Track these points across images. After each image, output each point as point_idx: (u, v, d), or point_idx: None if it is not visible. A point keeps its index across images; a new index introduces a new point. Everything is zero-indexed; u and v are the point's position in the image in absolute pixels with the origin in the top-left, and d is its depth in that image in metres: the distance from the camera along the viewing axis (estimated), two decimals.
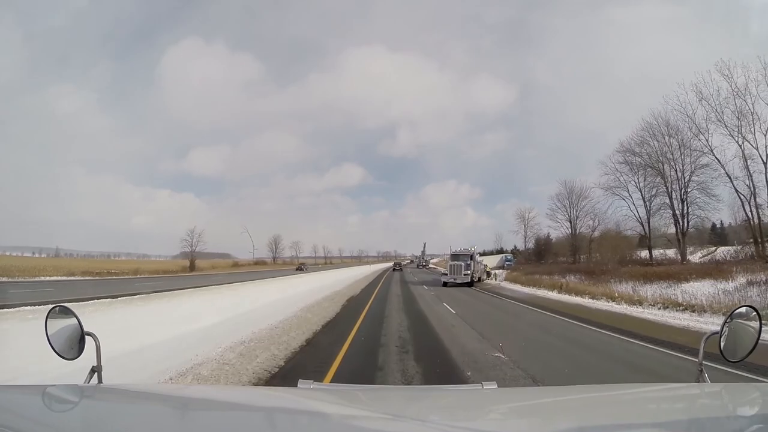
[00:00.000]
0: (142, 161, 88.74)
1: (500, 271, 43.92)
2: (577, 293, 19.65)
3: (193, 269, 51.20)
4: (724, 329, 1.54)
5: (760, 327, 1.52)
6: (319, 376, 5.55)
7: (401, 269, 64.71)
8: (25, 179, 61.85)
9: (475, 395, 1.56)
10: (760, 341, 1.49)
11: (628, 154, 34.27)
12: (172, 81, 79.38)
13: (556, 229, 44.87)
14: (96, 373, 1.46)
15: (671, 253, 31.50)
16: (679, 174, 30.81)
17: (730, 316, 1.55)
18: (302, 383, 1.57)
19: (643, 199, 34.07)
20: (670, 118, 30.63)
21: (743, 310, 1.56)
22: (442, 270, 40.33)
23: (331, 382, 5.45)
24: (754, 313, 1.54)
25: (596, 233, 39.23)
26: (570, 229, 42.49)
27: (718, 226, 36.68)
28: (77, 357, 1.48)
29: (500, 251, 63.21)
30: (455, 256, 27.23)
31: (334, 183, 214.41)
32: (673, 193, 31.49)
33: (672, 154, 31.04)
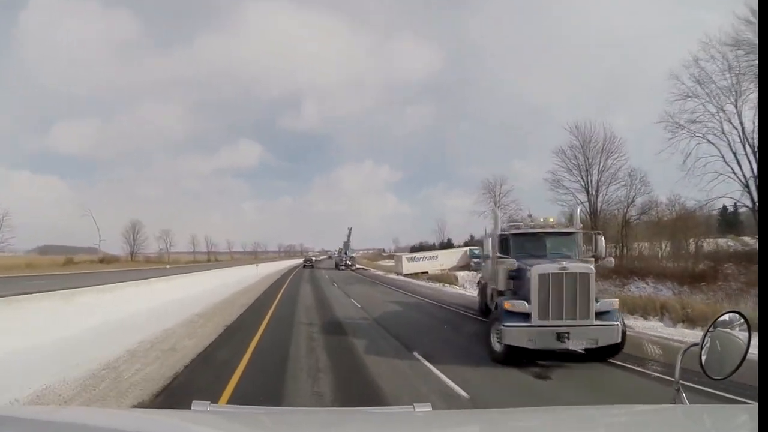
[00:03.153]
0: None
1: (463, 273, 43.55)
2: None
3: None
4: (705, 340, 1.69)
5: (749, 337, 1.63)
6: None
7: (312, 266, 68.04)
8: None
9: (405, 420, 1.73)
10: (749, 355, 1.60)
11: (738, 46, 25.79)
12: (32, 40, 70.85)
13: (554, 206, 42.28)
14: None
15: None
16: None
17: (713, 324, 1.71)
18: (197, 404, 1.66)
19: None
20: None
21: (728, 317, 1.70)
22: (390, 275, 39.50)
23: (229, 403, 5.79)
24: (742, 320, 1.68)
25: (633, 210, 34.60)
26: (588, 203, 37.98)
27: None
28: None
29: (447, 244, 63.75)
30: None
31: (226, 163, 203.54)
32: None
33: None
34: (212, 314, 16.04)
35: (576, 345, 9.11)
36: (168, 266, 42.54)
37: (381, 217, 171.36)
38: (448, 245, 65.41)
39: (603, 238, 10.87)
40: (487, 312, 14.13)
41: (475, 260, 48.47)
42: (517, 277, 10.14)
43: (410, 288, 30.05)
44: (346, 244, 69.51)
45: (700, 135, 28.24)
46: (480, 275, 18.46)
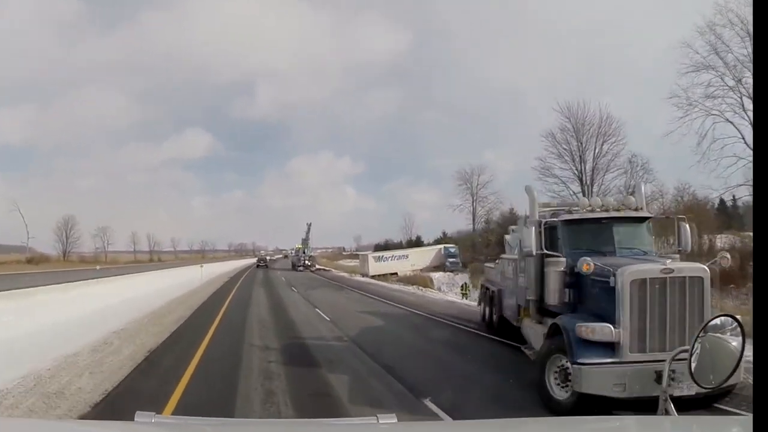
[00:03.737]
0: None
1: (438, 275, 40.74)
2: None
3: None
4: (695, 346, 1.66)
5: (744, 343, 1.61)
6: None
7: (266, 266, 66.10)
8: None
9: None
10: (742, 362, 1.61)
11: None
12: None
13: (542, 197, 42.02)
14: None
15: None
16: None
17: (703, 329, 1.69)
18: (141, 416, 1.63)
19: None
20: None
21: (719, 320, 1.69)
22: (356, 277, 36.57)
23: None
24: (735, 324, 1.65)
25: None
26: (582, 193, 36.59)
27: None
28: None
29: (416, 242, 60.45)
30: None
31: (173, 154, 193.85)
32: None
33: None
34: (133, 335, 12.45)
35: (686, 390, 6.01)
36: (98, 267, 37.80)
37: (341, 213, 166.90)
38: (417, 243, 62.60)
39: (688, 225, 8.02)
40: (500, 328, 11.65)
41: (451, 260, 46.14)
42: (579, 284, 7.13)
43: (384, 293, 26.98)
44: (305, 241, 64.07)
45: (717, 112, 26.10)
46: (483, 278, 15.46)
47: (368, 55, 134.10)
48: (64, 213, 74.04)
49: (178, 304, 20.51)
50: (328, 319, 16.12)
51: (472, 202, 50.43)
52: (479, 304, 14.98)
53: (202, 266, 37.29)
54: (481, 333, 13.04)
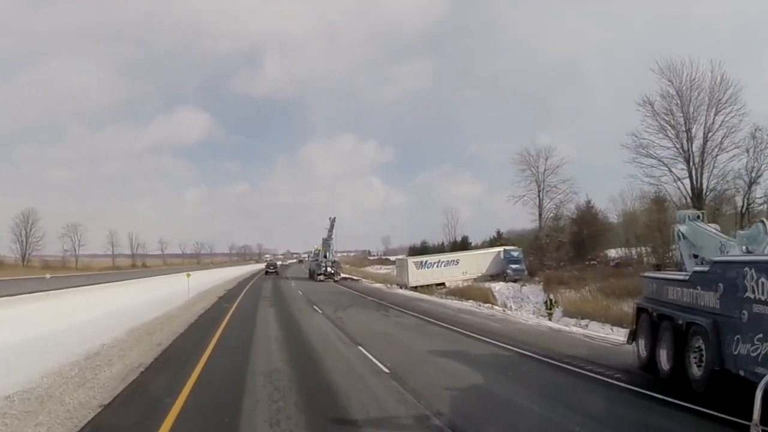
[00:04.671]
0: None
1: (499, 286, 34.45)
2: None
3: None
4: None
5: None
6: None
7: (276, 272, 60.45)
8: None
9: None
10: None
11: None
12: None
13: (636, 184, 34.89)
14: None
15: None
16: None
17: None
18: None
19: None
20: None
21: None
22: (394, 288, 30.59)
23: None
24: None
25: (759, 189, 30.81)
26: (690, 179, 32.43)
27: None
28: None
29: (461, 244, 52.40)
30: None
31: (162, 138, 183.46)
32: None
33: None
34: None
35: None
36: (48, 275, 31.31)
37: (365, 210, 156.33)
38: (463, 245, 55.28)
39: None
40: (709, 390, 7.42)
41: (514, 266, 39.07)
42: None
43: (445, 315, 20.41)
44: (327, 242, 52.34)
45: None
46: (643, 298, 10.71)
47: (396, 19, 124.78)
48: (24, 207, 66.80)
49: (137, 339, 13.91)
50: (385, 369, 9.86)
51: (538, 192, 43.08)
52: (631, 339, 10.60)
53: (189, 275, 30.52)
54: (668, 399, 7.65)
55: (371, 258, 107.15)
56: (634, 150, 33.71)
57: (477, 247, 50.70)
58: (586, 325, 20.81)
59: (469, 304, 26.23)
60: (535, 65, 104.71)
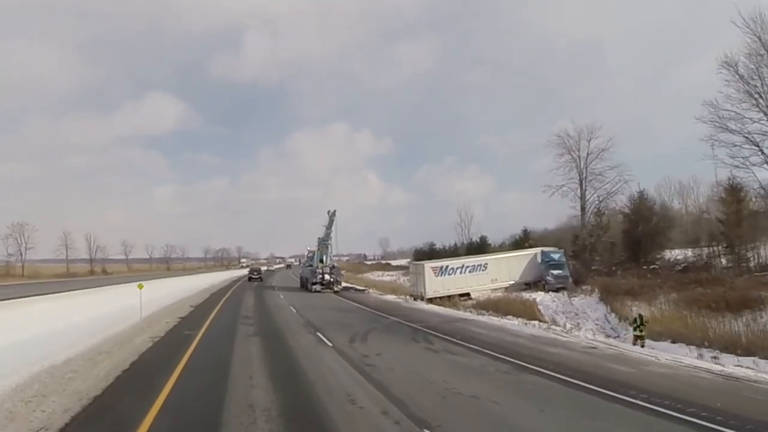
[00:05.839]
0: None
1: (540, 297, 29.79)
2: None
3: None
4: None
5: None
6: None
7: (260, 278, 56.81)
8: None
9: None
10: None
11: None
12: None
13: (712, 169, 30.38)
14: None
15: None
16: None
17: None
18: None
19: None
20: None
21: None
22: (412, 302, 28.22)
23: None
24: None
25: None
26: None
27: None
28: None
29: (479, 246, 45.67)
30: None
31: (130, 128, 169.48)
32: None
33: None
34: None
35: None
36: None
37: (360, 209, 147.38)
38: (481, 247, 48.66)
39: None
40: None
41: (555, 272, 32.78)
42: None
43: (545, 356, 13.35)
44: (324, 242, 42.91)
45: None
46: None
47: None
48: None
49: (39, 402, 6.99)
50: None
51: (580, 182, 36.62)
52: None
53: (142, 287, 23.68)
54: None
55: (368, 263, 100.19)
56: (713, 124, 27.66)
57: (498, 250, 44.10)
58: (716, 359, 14.80)
59: (517, 323, 20.05)
60: (549, 43, 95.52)
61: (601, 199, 37.16)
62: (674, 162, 78.39)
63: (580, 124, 41.85)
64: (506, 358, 12.15)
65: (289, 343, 14.99)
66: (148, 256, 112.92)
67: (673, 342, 17.86)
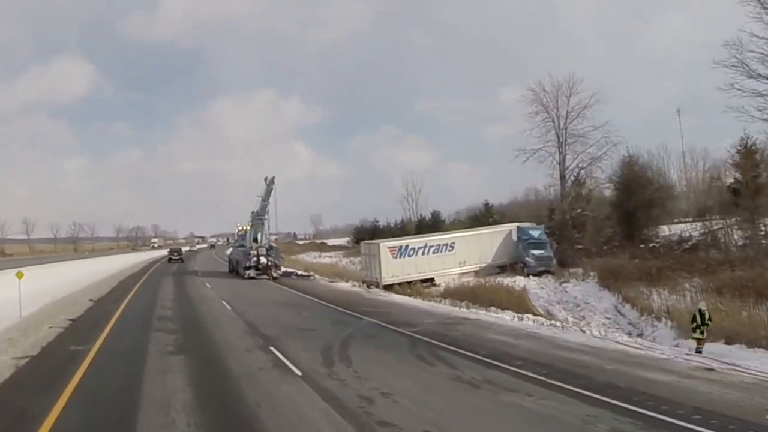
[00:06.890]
0: None
1: (524, 282, 26.39)
2: None
3: None
4: None
5: None
6: None
7: (181, 260, 55.06)
8: None
9: None
10: None
11: None
12: None
13: (733, 122, 25.52)
14: None
15: None
16: None
17: None
18: None
19: None
20: None
21: None
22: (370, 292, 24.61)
23: None
24: None
25: None
26: None
27: None
28: None
29: (433, 222, 41.43)
30: None
31: (34, 95, 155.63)
32: None
33: None
34: None
35: None
36: None
37: (290, 183, 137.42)
38: (434, 224, 44.61)
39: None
40: None
41: (537, 251, 28.81)
42: None
43: (608, 377, 8.83)
44: (259, 217, 35.90)
45: None
46: None
47: None
48: None
49: None
50: None
51: (558, 145, 32.61)
52: None
53: (21, 276, 18.27)
54: None
55: (300, 242, 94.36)
56: (732, 69, 24.84)
57: (452, 227, 40.26)
58: None
59: (533, 323, 16.05)
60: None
61: (583, 166, 33.31)
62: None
63: (559, 78, 36.98)
64: (609, 401, 7.39)
65: (233, 371, 9.73)
66: (53, 236, 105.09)
67: (727, 343, 14.28)
